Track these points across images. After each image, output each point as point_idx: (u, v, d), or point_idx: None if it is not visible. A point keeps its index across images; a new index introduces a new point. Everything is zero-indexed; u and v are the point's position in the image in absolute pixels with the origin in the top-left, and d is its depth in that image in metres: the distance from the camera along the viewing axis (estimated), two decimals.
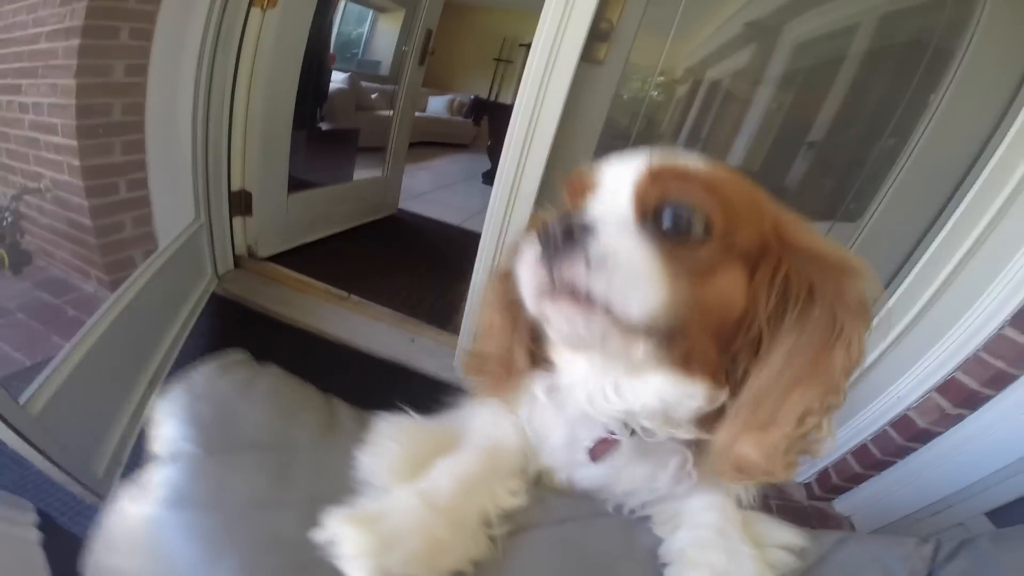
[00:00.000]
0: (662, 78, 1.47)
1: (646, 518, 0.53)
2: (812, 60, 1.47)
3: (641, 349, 0.43)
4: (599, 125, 1.36)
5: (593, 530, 0.51)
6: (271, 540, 0.44)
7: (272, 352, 1.56)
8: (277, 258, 2.06)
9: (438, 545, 0.43)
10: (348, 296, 1.93)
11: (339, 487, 0.47)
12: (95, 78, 1.37)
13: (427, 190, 4.06)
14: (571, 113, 1.29)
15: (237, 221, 1.91)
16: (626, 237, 0.41)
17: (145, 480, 0.49)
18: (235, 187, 1.86)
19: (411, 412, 0.56)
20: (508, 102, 6.57)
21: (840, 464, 1.40)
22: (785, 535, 0.50)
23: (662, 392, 0.46)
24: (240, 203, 1.89)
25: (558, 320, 0.43)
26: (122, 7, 1.37)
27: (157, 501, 0.46)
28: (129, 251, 1.64)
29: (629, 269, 0.40)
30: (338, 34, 4.58)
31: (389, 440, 0.51)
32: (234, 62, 1.68)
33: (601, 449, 0.52)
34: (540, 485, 0.56)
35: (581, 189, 0.48)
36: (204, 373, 0.57)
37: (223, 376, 0.57)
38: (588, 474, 0.55)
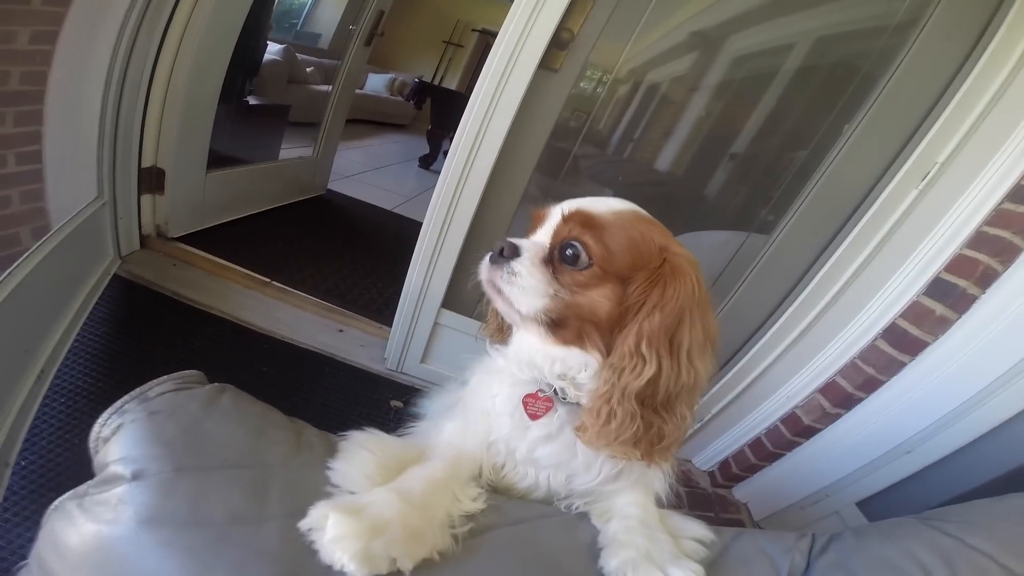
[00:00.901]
0: (608, 77, 1.51)
1: (585, 515, 0.66)
2: (746, 73, 1.55)
3: (535, 329, 0.63)
4: (549, 127, 1.39)
5: (542, 529, 0.61)
6: (257, 552, 0.46)
7: (185, 341, 1.51)
8: (190, 239, 1.91)
9: (415, 533, 0.50)
10: (270, 282, 1.83)
11: (316, 501, 0.50)
12: None
13: (360, 171, 3.91)
14: (523, 116, 1.31)
15: (146, 199, 1.75)
16: (531, 263, 0.62)
17: (102, 498, 0.48)
18: (147, 163, 1.70)
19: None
20: (454, 87, 6.45)
21: (739, 455, 1.56)
22: (696, 529, 0.63)
23: (563, 357, 0.64)
24: (151, 180, 1.73)
25: (492, 300, 0.66)
26: None
27: (128, 520, 0.46)
28: (14, 228, 1.46)
29: (523, 285, 0.61)
30: (278, 3, 4.27)
31: (362, 449, 0.60)
32: (162, 31, 1.53)
33: (534, 405, 0.66)
34: (497, 493, 0.66)
35: (539, 219, 0.69)
36: (160, 390, 0.57)
37: (182, 394, 0.57)
38: (547, 451, 0.67)
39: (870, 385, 1.27)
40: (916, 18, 1.28)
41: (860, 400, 1.29)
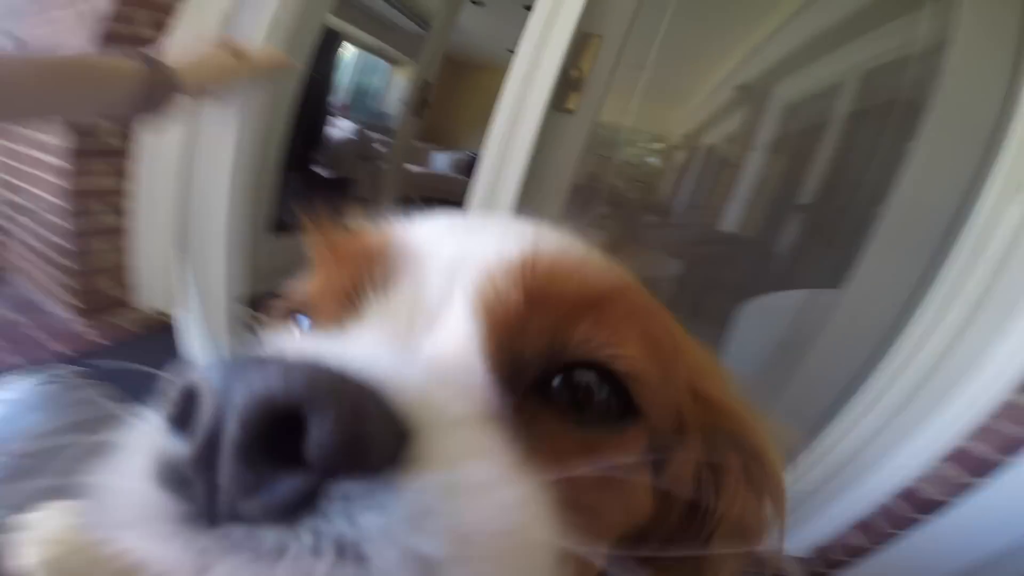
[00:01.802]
0: (658, 144, 1.44)
1: None
2: (802, 122, 1.47)
3: None
4: (567, 178, 1.32)
5: None
6: None
7: None
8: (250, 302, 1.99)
9: None
10: None
11: None
12: None
13: None
14: (538, 165, 1.26)
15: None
16: (494, 477, 0.18)
17: None
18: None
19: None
20: None
21: (842, 537, 1.26)
22: None
23: None
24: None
25: None
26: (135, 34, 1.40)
27: None
28: (105, 281, 1.61)
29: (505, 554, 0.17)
30: (357, 86, 4.82)
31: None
32: None
33: None
34: None
35: (344, 265, 0.25)
36: None
37: None
38: None
39: (1016, 445, 1.00)
40: (941, 40, 1.17)
41: (1005, 464, 1.02)
